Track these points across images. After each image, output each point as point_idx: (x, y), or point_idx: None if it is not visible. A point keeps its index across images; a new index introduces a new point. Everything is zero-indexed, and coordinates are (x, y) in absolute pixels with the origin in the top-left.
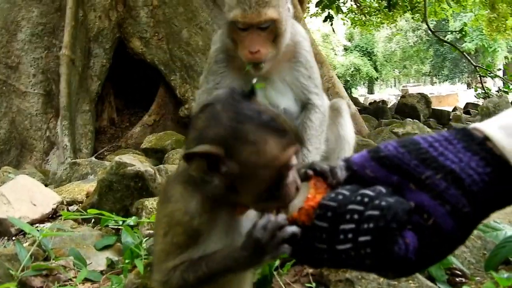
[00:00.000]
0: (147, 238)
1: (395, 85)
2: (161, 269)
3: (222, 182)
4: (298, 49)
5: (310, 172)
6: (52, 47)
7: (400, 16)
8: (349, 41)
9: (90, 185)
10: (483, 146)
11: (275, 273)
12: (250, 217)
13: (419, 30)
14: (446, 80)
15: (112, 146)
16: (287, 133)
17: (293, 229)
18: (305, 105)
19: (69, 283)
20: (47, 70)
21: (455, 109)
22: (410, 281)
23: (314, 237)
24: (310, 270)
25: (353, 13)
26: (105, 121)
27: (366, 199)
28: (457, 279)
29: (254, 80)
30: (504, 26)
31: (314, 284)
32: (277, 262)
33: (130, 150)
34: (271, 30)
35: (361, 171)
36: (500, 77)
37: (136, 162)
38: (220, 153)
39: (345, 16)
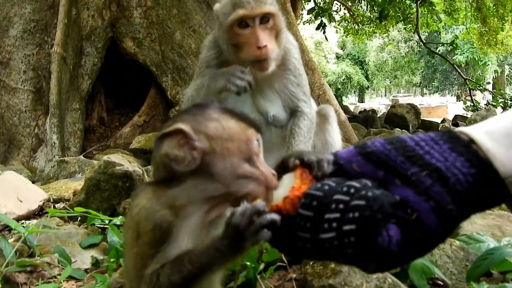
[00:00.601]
0: None
1: (385, 95)
2: (142, 278)
3: (195, 157)
4: (288, 57)
5: (297, 162)
6: (44, 44)
7: (393, 26)
8: (342, 49)
9: (77, 183)
10: (468, 148)
11: (258, 277)
12: (222, 220)
13: (411, 41)
14: (436, 92)
15: (101, 146)
16: (247, 120)
17: (272, 216)
18: (294, 112)
19: (53, 281)
20: (38, 67)
21: (444, 120)
22: None
23: (298, 226)
24: (294, 275)
25: (346, 22)
26: (94, 120)
27: (352, 190)
28: None
29: None
30: (494, 40)
31: None
32: (262, 266)
33: (119, 150)
34: (272, 27)
35: (348, 166)
36: (489, 91)
37: (125, 162)
38: (189, 130)
39: (338, 25)
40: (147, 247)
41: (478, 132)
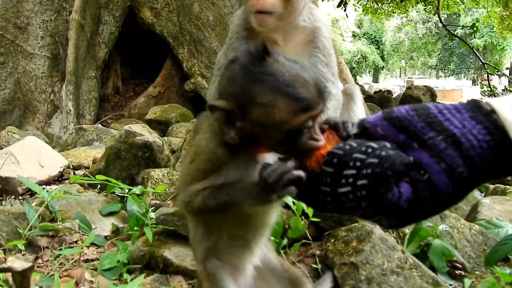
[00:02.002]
0: (153, 208)
1: (400, 76)
2: (185, 191)
3: (237, 135)
4: (317, 35)
5: (325, 126)
6: (62, 11)
7: (412, 6)
8: (358, 27)
9: (96, 151)
10: (488, 117)
11: (282, 251)
12: (269, 156)
13: (429, 22)
14: (452, 75)
15: (116, 115)
16: (301, 99)
17: (299, 172)
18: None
19: (75, 246)
20: (55, 33)
21: None
22: (413, 270)
23: (321, 181)
24: (317, 252)
25: (366, 0)
26: (109, 89)
27: (369, 150)
28: (457, 272)
29: None
30: None
31: (320, 266)
32: (285, 241)
33: (133, 120)
34: None
35: (373, 129)
36: (507, 76)
37: (145, 132)
38: (234, 110)
39: (357, 3)
40: (198, 172)
41: (501, 102)
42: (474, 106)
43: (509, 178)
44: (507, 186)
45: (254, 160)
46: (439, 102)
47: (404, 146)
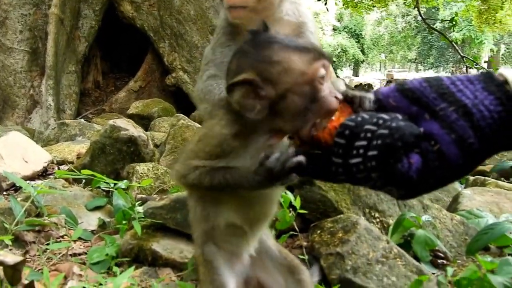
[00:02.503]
0: (140, 202)
1: (380, 69)
2: (184, 163)
3: (264, 106)
4: (303, 30)
5: (340, 96)
6: (41, 5)
7: (392, 0)
8: (339, 21)
9: (80, 146)
10: (500, 87)
11: None
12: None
13: (408, 16)
14: (431, 68)
15: (97, 110)
16: (309, 50)
17: (299, 158)
18: None
19: (62, 240)
20: (34, 27)
21: None
22: (398, 259)
23: (333, 152)
24: (304, 243)
25: None
26: (90, 83)
27: (380, 121)
28: (439, 261)
29: None
30: (493, 18)
31: (306, 257)
32: (273, 233)
33: (115, 115)
34: None
35: (385, 101)
36: (486, 69)
37: (130, 127)
38: (256, 78)
39: None
40: (203, 152)
41: None
42: (487, 77)
43: (487, 170)
44: (487, 178)
45: (268, 141)
46: (452, 74)
47: (416, 118)
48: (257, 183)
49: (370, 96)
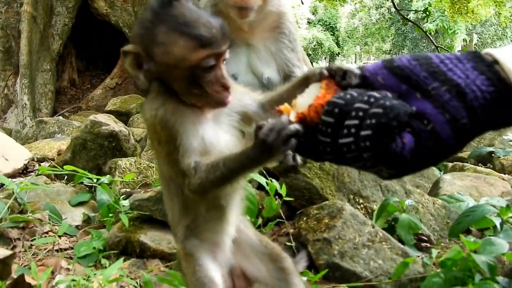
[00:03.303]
0: (124, 196)
1: (355, 61)
2: (183, 173)
3: (147, 77)
4: (283, 20)
5: (325, 72)
6: (12, 3)
7: None
8: (313, 14)
9: (61, 143)
10: (491, 68)
11: (257, 231)
12: (216, 118)
13: (382, 7)
14: None
15: (73, 108)
16: (198, 36)
17: (296, 126)
18: (288, 77)
19: (47, 236)
20: (6, 26)
21: None
22: (383, 243)
23: (320, 131)
24: (291, 230)
25: None
26: (65, 81)
27: (372, 99)
28: (423, 244)
29: None
30: (466, 8)
31: (294, 244)
32: (260, 221)
33: (92, 112)
34: None
35: (373, 78)
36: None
37: (111, 122)
38: (140, 52)
39: None
40: (167, 146)
41: (503, 53)
42: (475, 56)
43: (465, 156)
44: (465, 164)
45: (202, 115)
46: (439, 52)
47: (406, 96)
48: (258, 157)
49: (356, 70)
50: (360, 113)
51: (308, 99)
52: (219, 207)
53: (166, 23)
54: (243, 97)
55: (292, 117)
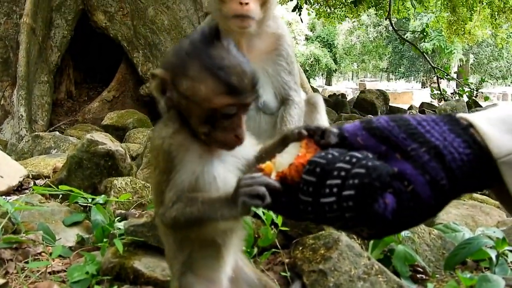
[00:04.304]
0: (119, 218)
1: (352, 78)
2: (161, 201)
3: (165, 104)
4: (281, 42)
5: (304, 131)
6: (12, 14)
7: (364, 11)
8: (311, 31)
9: (56, 160)
10: (466, 130)
11: (252, 261)
12: (222, 157)
13: (379, 26)
14: (402, 78)
15: (70, 120)
16: (228, 84)
17: (275, 183)
18: (285, 101)
19: (40, 258)
20: (5, 37)
21: (410, 107)
22: (379, 276)
23: (301, 190)
24: (286, 260)
25: (319, 4)
26: (62, 93)
27: (354, 160)
28: (418, 276)
29: None
30: (463, 29)
31: (289, 274)
32: (255, 251)
33: (88, 125)
34: None
35: (352, 139)
36: (456, 80)
37: (107, 141)
38: (167, 78)
39: (311, 7)
40: (161, 175)
41: (477, 117)
42: (450, 119)
43: None
44: None
45: (208, 152)
46: (416, 114)
47: (386, 157)
48: (230, 204)
49: (334, 129)
50: (342, 173)
51: (288, 158)
52: (215, 245)
53: (201, 60)
54: (249, 144)
55: (273, 176)
